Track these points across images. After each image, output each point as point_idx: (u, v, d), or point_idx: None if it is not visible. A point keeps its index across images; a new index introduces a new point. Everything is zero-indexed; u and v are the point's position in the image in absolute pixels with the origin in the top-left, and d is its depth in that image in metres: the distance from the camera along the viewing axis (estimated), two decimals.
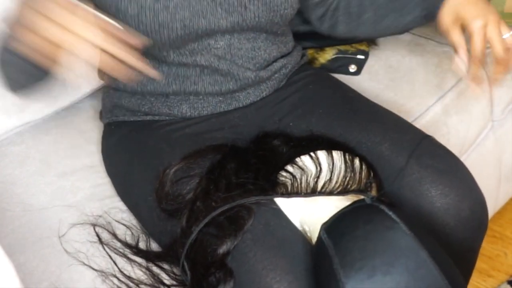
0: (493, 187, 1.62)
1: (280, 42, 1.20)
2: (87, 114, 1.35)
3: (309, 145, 1.08)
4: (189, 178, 1.03)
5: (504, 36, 1.07)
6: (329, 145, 1.08)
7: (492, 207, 1.64)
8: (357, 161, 1.06)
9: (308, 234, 1.01)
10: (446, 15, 1.09)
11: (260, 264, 0.93)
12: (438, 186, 1.03)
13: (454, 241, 1.06)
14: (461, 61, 1.07)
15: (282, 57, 1.22)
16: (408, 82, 1.46)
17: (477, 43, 1.06)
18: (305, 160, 1.05)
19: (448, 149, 1.12)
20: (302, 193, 1.00)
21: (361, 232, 0.88)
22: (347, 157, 1.05)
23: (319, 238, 0.93)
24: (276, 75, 1.21)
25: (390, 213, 0.90)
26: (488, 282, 1.65)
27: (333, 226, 0.92)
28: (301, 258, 0.95)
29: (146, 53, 1.11)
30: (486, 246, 1.70)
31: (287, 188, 1.01)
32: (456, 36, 1.08)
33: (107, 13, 0.95)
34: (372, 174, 1.05)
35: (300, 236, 0.98)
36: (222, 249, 0.93)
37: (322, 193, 0.99)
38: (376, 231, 0.88)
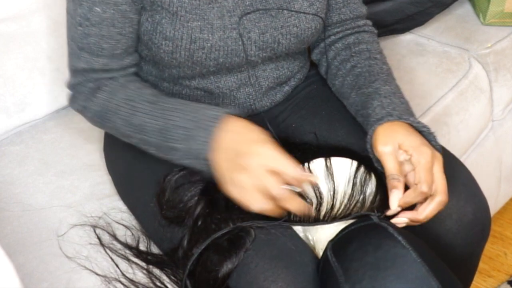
0: (493, 187, 1.62)
1: (300, 55, 1.21)
2: None
3: (313, 154, 1.07)
4: (190, 184, 1.02)
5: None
6: (331, 152, 1.07)
7: (492, 207, 1.64)
8: (361, 168, 1.04)
9: (312, 243, 1.00)
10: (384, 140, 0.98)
11: (262, 275, 0.92)
12: None
13: (457, 246, 1.05)
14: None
15: (300, 68, 1.23)
16: (408, 82, 1.46)
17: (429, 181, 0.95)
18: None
19: (450, 152, 1.12)
20: (305, 221, 0.98)
21: (371, 259, 0.87)
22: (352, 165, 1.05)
23: (326, 259, 0.92)
24: (293, 83, 1.22)
25: (400, 238, 0.89)
26: (488, 282, 1.65)
27: (340, 247, 0.91)
28: (304, 269, 0.94)
29: (167, 77, 1.12)
30: (486, 246, 1.68)
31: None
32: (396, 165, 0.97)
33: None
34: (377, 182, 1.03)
35: (302, 246, 0.97)
36: (223, 271, 0.93)
37: (326, 221, 0.97)
38: (387, 259, 0.87)
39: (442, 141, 1.16)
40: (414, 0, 1.53)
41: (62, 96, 1.35)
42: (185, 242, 0.98)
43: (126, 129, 1.03)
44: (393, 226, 0.92)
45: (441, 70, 1.50)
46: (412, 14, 1.55)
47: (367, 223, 0.93)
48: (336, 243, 0.93)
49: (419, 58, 1.53)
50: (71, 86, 1.11)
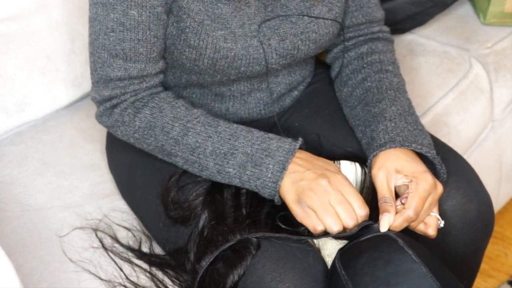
0: (494, 188, 1.62)
1: (311, 59, 1.21)
2: (87, 113, 1.35)
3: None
4: (195, 184, 1.02)
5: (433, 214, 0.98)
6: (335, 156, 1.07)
7: None
8: (364, 169, 1.04)
9: (317, 244, 1.00)
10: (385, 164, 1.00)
11: (268, 276, 0.92)
12: (445, 188, 1.02)
13: (461, 243, 1.06)
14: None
15: (310, 72, 1.22)
16: (409, 82, 1.45)
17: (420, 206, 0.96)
18: None
19: (453, 150, 1.12)
20: (314, 235, 0.97)
21: (381, 273, 0.88)
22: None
23: (335, 269, 0.92)
24: (301, 88, 1.21)
25: (410, 251, 0.89)
26: (489, 282, 1.65)
27: (349, 258, 0.91)
28: (311, 270, 0.94)
29: (184, 82, 1.11)
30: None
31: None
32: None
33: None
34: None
35: (309, 246, 0.97)
36: (230, 282, 0.93)
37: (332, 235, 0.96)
38: (398, 274, 0.87)
39: (442, 141, 1.17)
40: (414, 0, 1.53)
41: (62, 96, 1.35)
42: (191, 256, 0.98)
43: (172, 148, 1.00)
44: (403, 237, 0.92)
45: (442, 70, 1.50)
46: (412, 14, 1.55)
47: (376, 234, 0.93)
48: (345, 254, 0.93)
49: (420, 58, 1.53)
50: (104, 98, 1.04)
